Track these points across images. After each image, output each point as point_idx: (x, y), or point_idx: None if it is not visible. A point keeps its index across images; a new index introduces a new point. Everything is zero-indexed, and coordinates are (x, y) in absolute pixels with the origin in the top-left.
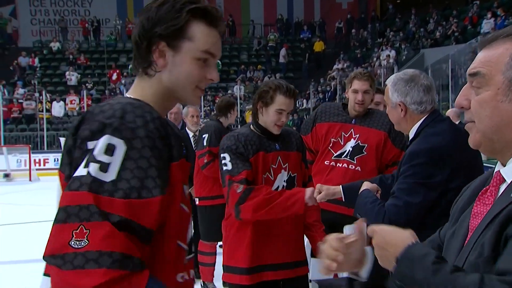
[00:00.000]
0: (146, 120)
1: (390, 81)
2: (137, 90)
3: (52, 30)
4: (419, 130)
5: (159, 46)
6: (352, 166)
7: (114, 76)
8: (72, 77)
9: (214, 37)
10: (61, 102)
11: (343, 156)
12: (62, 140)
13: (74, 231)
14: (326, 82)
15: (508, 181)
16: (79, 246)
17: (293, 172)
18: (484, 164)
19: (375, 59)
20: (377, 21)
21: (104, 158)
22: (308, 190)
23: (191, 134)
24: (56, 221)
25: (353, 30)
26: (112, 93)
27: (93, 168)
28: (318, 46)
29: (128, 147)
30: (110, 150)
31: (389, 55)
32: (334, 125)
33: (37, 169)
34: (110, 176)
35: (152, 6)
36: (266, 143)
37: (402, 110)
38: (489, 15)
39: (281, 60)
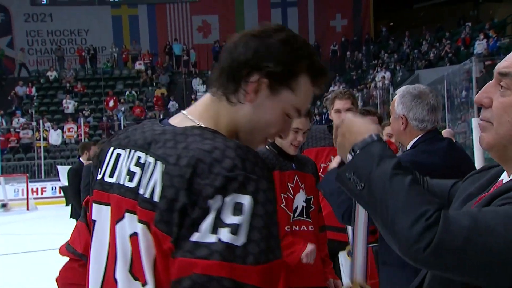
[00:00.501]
0: (262, 168)
1: (399, 92)
2: (211, 116)
3: (49, 59)
4: (414, 145)
5: (259, 81)
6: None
7: (111, 103)
8: (69, 105)
9: (311, 98)
10: (58, 130)
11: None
12: (60, 168)
13: None
14: (322, 105)
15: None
16: None
17: (309, 194)
18: None
19: (370, 80)
20: (371, 43)
21: (233, 220)
22: (309, 247)
23: None
24: None
25: (348, 53)
26: (110, 120)
27: (224, 233)
28: None
29: (254, 202)
30: (238, 209)
31: (384, 77)
32: (323, 149)
33: (34, 198)
34: (241, 239)
35: (273, 36)
36: (282, 162)
37: (403, 123)
38: (481, 37)
39: None
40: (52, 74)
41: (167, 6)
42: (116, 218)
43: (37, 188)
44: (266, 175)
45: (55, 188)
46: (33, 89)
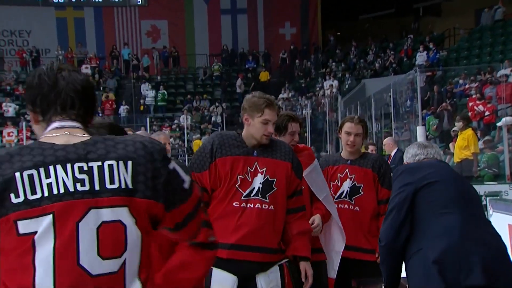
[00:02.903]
0: None
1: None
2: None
3: None
4: None
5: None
6: (265, 206)
7: None
8: (9, 108)
9: None
10: None
11: (252, 195)
12: None
13: None
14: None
15: None
16: None
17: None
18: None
19: (318, 88)
20: (320, 52)
21: (184, 172)
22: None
23: None
24: None
25: (297, 61)
26: None
27: (188, 177)
28: (264, 76)
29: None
30: (184, 167)
31: (332, 85)
32: (238, 158)
33: None
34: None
35: None
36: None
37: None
38: (422, 48)
39: (238, 90)
40: None
41: (115, 9)
42: (76, 219)
43: None
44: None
45: None
46: None
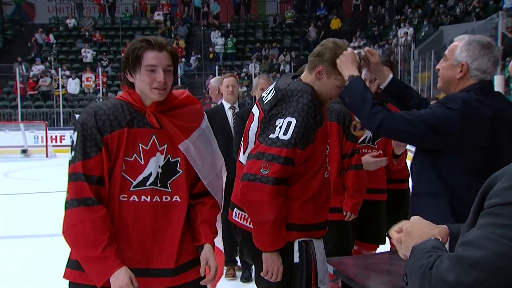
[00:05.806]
0: None
1: (463, 39)
2: None
3: (67, 7)
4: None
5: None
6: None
7: None
8: (87, 54)
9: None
10: (77, 79)
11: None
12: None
13: None
14: None
15: None
16: None
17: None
18: None
19: (392, 36)
20: None
21: None
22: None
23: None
24: None
25: (371, 7)
26: None
27: None
28: (335, 23)
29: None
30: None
31: (407, 33)
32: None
33: (53, 146)
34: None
35: None
36: None
37: (461, 71)
38: None
39: (309, 38)
40: (71, 22)
41: None
42: None
43: (56, 136)
44: None
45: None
46: (51, 37)
